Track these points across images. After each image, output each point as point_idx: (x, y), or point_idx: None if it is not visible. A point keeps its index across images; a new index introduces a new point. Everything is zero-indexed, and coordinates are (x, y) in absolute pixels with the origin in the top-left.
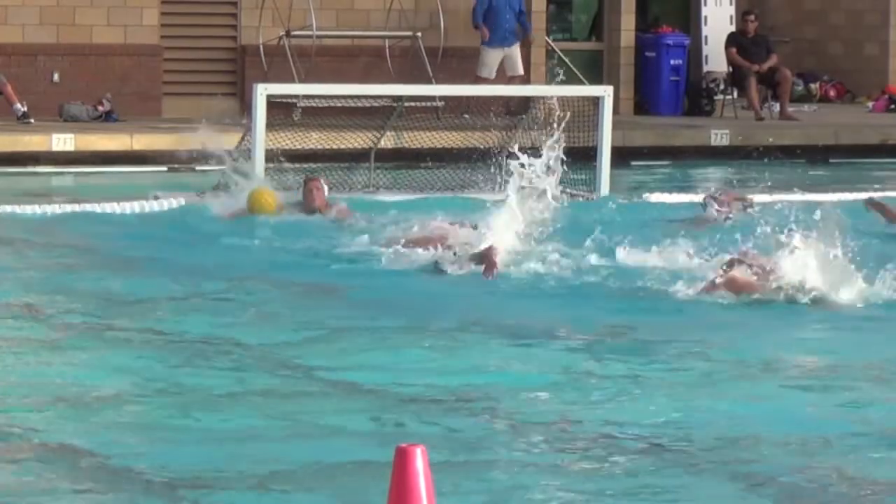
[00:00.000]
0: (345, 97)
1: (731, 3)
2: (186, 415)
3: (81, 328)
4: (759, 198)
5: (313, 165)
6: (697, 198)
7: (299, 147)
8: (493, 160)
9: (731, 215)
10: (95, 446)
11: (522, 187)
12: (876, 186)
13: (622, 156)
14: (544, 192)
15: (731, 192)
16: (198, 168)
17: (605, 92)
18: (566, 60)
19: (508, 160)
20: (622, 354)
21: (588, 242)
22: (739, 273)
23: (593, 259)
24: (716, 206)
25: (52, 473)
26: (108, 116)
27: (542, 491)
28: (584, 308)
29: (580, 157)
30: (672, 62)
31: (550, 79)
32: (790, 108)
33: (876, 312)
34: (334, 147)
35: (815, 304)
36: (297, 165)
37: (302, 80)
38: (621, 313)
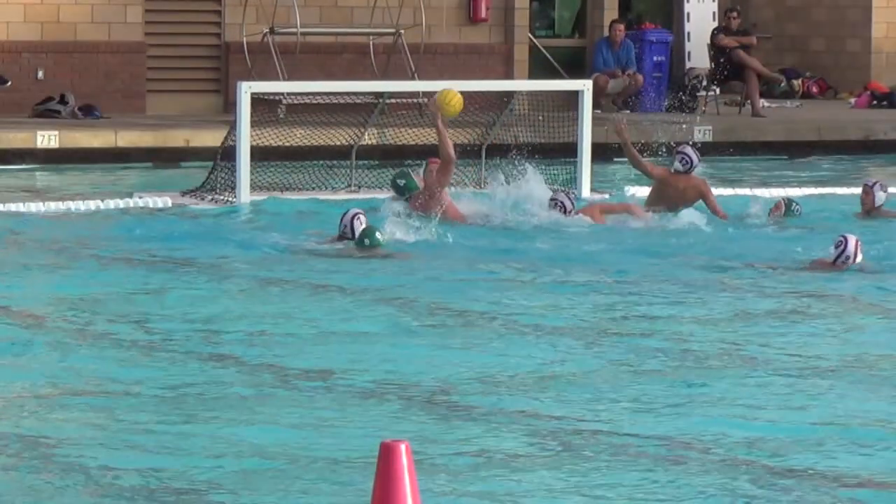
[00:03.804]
0: (329, 94)
1: (713, 0)
2: (167, 413)
3: (62, 327)
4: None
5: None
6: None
7: (284, 144)
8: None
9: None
10: (77, 446)
11: None
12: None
13: (605, 152)
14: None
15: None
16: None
17: (585, 86)
18: (549, 57)
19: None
20: (613, 349)
21: (576, 235)
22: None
23: (582, 252)
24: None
25: (38, 474)
26: (90, 113)
27: (528, 487)
28: (575, 299)
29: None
30: (655, 59)
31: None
32: (771, 105)
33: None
34: (319, 143)
35: None
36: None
37: (286, 78)
38: (613, 307)
